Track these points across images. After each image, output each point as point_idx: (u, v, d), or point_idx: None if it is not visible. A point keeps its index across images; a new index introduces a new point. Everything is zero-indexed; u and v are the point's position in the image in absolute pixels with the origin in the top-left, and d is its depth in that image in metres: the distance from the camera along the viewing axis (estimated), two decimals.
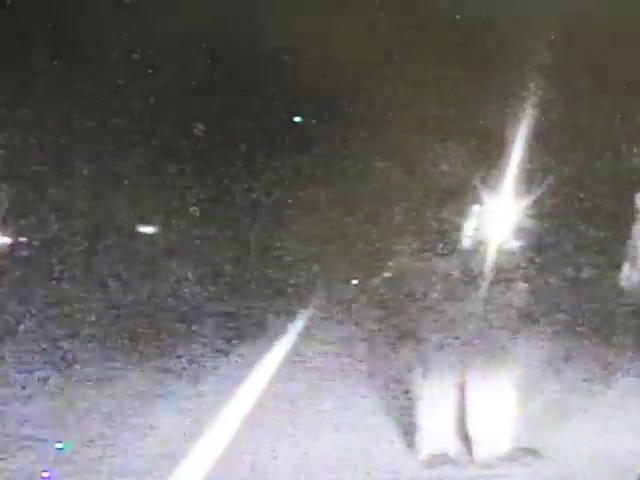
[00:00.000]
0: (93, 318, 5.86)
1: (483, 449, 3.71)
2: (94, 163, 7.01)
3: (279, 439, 4.02)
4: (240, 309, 6.39)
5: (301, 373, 5.13)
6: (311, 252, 8.13)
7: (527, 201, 3.92)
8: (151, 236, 8.10)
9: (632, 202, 4.76)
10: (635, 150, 5.29)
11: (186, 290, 6.52)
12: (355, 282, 7.44)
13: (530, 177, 3.91)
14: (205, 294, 6.58)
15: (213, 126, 7.46)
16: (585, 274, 5.32)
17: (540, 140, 4.17)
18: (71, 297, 6.02)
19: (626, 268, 4.27)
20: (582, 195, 5.33)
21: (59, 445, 3.87)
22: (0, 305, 5.53)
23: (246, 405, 4.65)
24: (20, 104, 6.28)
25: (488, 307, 3.70)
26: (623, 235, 4.56)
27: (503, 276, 3.70)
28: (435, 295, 3.73)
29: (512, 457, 3.70)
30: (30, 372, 4.94)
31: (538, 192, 3.97)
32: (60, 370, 5.02)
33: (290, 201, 8.01)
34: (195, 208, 8.05)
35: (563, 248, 5.19)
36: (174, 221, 8.35)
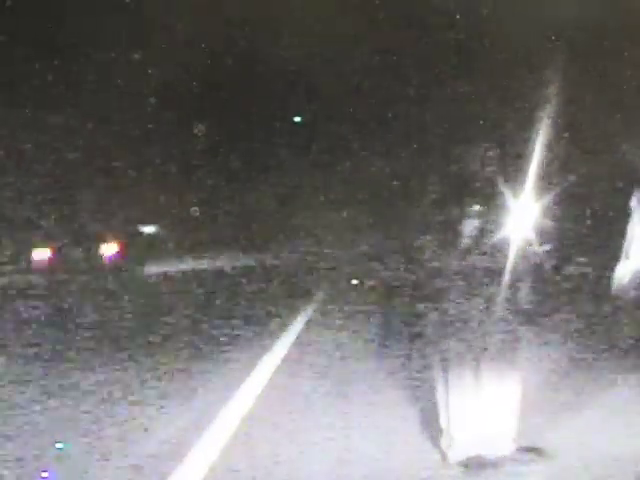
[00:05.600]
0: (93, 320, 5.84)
1: (486, 447, 3.72)
2: (94, 163, 7.01)
3: (291, 438, 4.03)
4: (243, 308, 6.40)
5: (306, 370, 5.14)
6: (311, 252, 8.14)
7: (542, 203, 3.92)
8: (151, 235, 8.08)
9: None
10: None
11: (195, 288, 6.48)
12: (355, 282, 7.45)
13: (542, 178, 3.92)
14: (213, 293, 6.52)
15: (213, 126, 7.46)
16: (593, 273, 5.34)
17: (547, 141, 4.17)
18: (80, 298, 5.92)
19: (620, 268, 4.26)
20: (596, 196, 5.36)
21: (59, 445, 3.87)
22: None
23: (253, 398, 4.65)
24: (19, 104, 6.29)
25: (498, 305, 3.70)
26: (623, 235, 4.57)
27: (515, 275, 3.71)
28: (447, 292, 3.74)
29: (515, 456, 3.70)
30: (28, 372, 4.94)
31: (552, 193, 3.97)
32: (59, 369, 5.02)
33: (290, 200, 8.02)
34: (195, 208, 8.07)
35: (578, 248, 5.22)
36: (174, 221, 8.36)
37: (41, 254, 5.77)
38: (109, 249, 6.09)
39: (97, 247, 6.03)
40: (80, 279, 5.63)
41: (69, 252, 5.94)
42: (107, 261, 5.86)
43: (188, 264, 6.34)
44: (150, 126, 7.18)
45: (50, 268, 5.67)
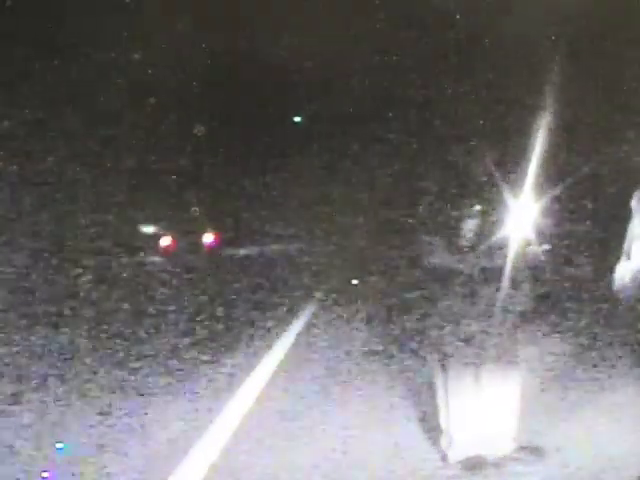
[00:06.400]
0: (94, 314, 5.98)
1: (486, 447, 3.72)
2: (94, 163, 7.01)
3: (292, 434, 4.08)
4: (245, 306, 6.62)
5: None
6: (311, 252, 8.15)
7: (542, 203, 3.93)
8: (153, 236, 8.43)
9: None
10: None
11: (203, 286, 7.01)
12: (355, 282, 7.44)
13: (542, 178, 3.92)
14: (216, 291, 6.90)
15: (213, 126, 7.46)
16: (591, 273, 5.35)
17: (547, 140, 4.18)
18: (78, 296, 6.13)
19: (621, 268, 4.26)
20: (594, 196, 5.38)
21: (59, 445, 3.87)
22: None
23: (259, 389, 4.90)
24: (19, 104, 6.28)
25: (497, 305, 3.71)
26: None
27: (515, 275, 3.71)
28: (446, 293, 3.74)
29: (515, 456, 3.70)
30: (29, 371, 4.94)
31: (552, 193, 3.98)
32: (61, 369, 5.02)
33: (290, 201, 8.03)
34: (195, 208, 8.11)
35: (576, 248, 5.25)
36: (174, 221, 8.39)
37: (166, 241, 8.07)
38: (208, 238, 8.39)
39: (200, 236, 8.38)
40: (193, 258, 8.11)
41: (183, 240, 8.26)
42: (207, 246, 8.29)
43: (246, 250, 8.73)
44: (148, 126, 7.20)
45: (172, 251, 8.08)
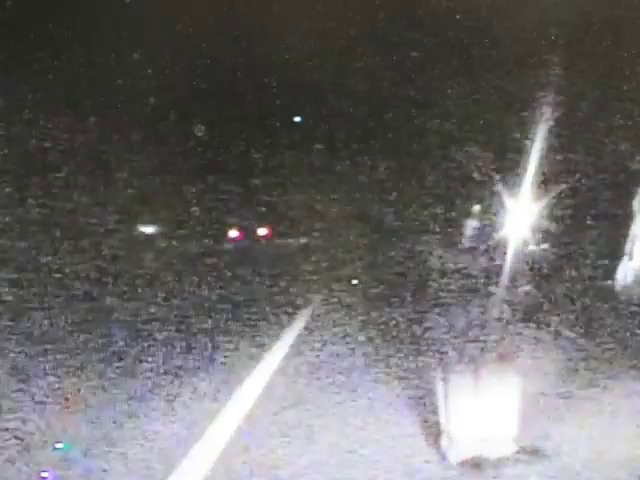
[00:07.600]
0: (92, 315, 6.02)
1: (486, 448, 3.71)
2: (94, 163, 7.02)
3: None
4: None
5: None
6: (311, 252, 8.16)
7: (541, 203, 3.93)
8: (153, 236, 8.61)
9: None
10: None
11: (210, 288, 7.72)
12: (355, 282, 7.45)
13: (543, 179, 3.92)
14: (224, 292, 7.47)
15: (213, 126, 7.47)
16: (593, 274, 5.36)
17: (547, 141, 4.18)
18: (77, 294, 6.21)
19: (623, 268, 4.25)
20: (594, 197, 5.39)
21: (59, 445, 3.86)
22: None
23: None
24: (20, 105, 6.29)
25: (497, 305, 3.71)
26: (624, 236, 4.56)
27: (515, 275, 3.71)
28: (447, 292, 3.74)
29: (515, 456, 3.70)
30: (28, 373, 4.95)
31: (552, 194, 3.98)
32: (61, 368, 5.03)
33: (290, 201, 8.05)
34: (195, 208, 8.11)
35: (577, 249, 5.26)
36: (174, 221, 8.40)
37: (233, 233, 10.28)
38: (263, 231, 10.50)
39: (257, 230, 10.48)
40: (253, 246, 10.32)
41: (245, 233, 10.34)
42: (262, 238, 10.47)
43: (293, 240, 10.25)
44: (148, 126, 7.20)
45: (238, 241, 10.35)
